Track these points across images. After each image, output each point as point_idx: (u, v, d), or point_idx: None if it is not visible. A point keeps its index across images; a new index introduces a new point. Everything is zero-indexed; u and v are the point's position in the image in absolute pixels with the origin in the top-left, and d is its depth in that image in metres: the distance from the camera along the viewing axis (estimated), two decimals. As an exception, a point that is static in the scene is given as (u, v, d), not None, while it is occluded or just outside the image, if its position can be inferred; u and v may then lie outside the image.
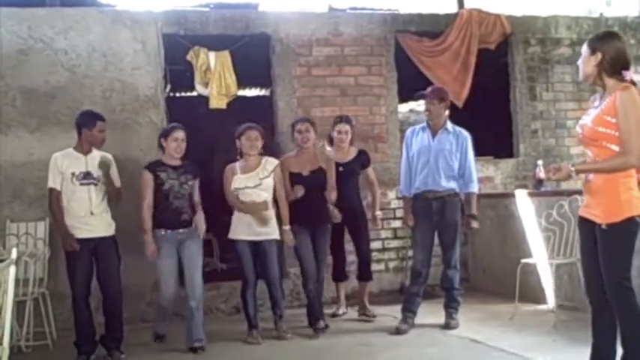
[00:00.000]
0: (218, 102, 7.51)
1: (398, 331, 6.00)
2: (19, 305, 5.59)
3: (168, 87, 8.09)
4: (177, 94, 10.04)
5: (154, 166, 5.88)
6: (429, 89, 6.38)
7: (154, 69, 7.40)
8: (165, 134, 5.94)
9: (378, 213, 7.00)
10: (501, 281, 7.29)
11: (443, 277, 6.35)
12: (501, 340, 5.59)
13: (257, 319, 6.15)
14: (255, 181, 6.05)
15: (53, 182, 5.73)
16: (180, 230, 5.82)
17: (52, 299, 6.44)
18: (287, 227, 6.12)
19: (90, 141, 5.83)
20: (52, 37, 7.14)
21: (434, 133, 6.20)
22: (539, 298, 6.76)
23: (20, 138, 7.02)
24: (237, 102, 7.81)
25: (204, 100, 7.58)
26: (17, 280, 4.04)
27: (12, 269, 3.57)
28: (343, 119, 6.83)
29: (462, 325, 6.13)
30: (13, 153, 6.99)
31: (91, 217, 5.68)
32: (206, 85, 7.54)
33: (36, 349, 6.07)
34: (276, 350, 5.83)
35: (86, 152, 5.81)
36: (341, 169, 6.56)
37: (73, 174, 5.70)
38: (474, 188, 6.25)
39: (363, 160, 6.85)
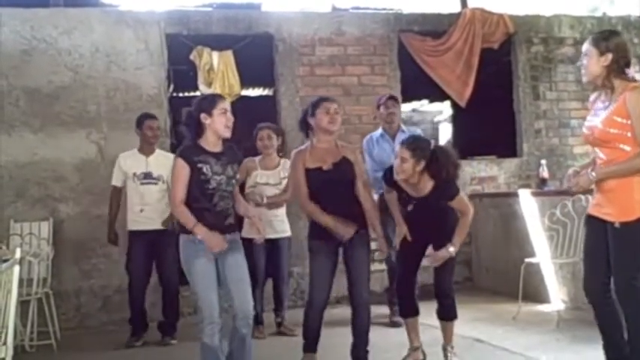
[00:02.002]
0: (221, 102, 7.52)
1: None
2: (22, 305, 5.62)
3: (172, 87, 8.10)
4: (181, 94, 10.04)
5: (192, 154, 4.27)
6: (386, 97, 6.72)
7: (157, 69, 7.41)
8: (207, 107, 4.30)
9: (451, 250, 4.77)
10: (505, 281, 7.29)
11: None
12: (504, 340, 5.59)
13: (262, 315, 6.29)
14: (276, 179, 6.22)
15: (115, 180, 6.30)
16: (226, 236, 4.31)
17: (55, 299, 6.47)
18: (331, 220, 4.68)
19: (143, 139, 6.31)
20: (55, 37, 7.15)
21: (393, 136, 6.55)
22: (543, 298, 6.75)
23: (24, 138, 7.03)
24: (240, 102, 7.80)
25: (207, 99, 7.58)
26: (21, 280, 4.05)
27: (16, 269, 3.59)
28: (406, 142, 4.82)
29: (466, 325, 6.11)
30: (16, 153, 7.00)
31: (148, 213, 6.13)
32: (209, 84, 7.55)
33: (40, 348, 6.08)
34: (279, 346, 5.87)
35: (148, 153, 6.29)
36: (414, 202, 4.85)
37: (134, 174, 6.20)
38: None
39: (443, 193, 4.77)
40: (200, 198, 4.24)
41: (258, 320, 6.28)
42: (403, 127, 6.76)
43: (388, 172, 4.93)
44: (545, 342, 5.49)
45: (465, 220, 4.80)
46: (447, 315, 5.00)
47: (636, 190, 3.83)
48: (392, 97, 6.81)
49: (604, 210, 3.94)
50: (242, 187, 6.24)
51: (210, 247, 4.17)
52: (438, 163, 4.68)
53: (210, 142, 4.30)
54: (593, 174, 3.89)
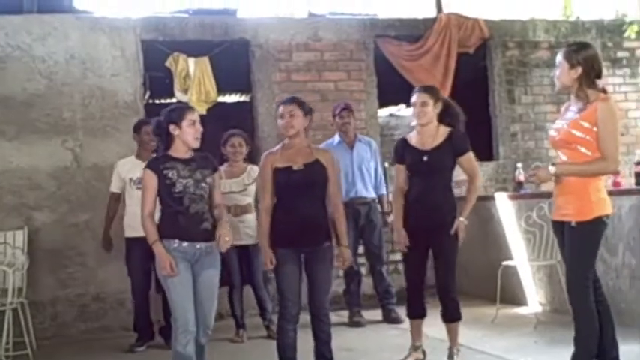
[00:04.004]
0: (198, 108, 7.45)
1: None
2: (-2, 315, 5.56)
3: (148, 93, 8.06)
4: (157, 101, 9.99)
5: (158, 163, 4.41)
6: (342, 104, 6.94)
7: (133, 75, 7.37)
8: (175, 119, 4.39)
9: (462, 220, 4.99)
10: (482, 284, 7.31)
11: (379, 277, 6.87)
12: (483, 343, 5.62)
13: (243, 319, 6.38)
14: (239, 187, 6.24)
15: (113, 186, 6.40)
16: (197, 245, 4.37)
17: (31, 308, 6.41)
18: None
19: (141, 145, 6.35)
20: (29, 43, 7.09)
21: (351, 145, 6.79)
22: (520, 300, 6.80)
23: (-2, 146, 6.97)
24: (216, 108, 7.79)
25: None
26: (-5, 290, 4.01)
27: (-10, 279, 3.55)
28: (421, 88, 5.10)
29: (445, 328, 6.13)
30: (-10, 161, 6.93)
31: None
32: (185, 91, 7.52)
33: (16, 359, 6.01)
34: (259, 350, 5.89)
35: (145, 158, 6.07)
36: (425, 158, 4.94)
37: (131, 179, 6.24)
38: (385, 190, 6.97)
39: (456, 144, 5.03)
40: (170, 202, 4.37)
41: (238, 324, 6.37)
42: (360, 136, 6.97)
43: (400, 144, 5.11)
44: (524, 344, 5.52)
45: (474, 185, 5.04)
46: (451, 316, 5.05)
47: (592, 192, 4.03)
48: (346, 108, 6.88)
49: (562, 212, 4.14)
50: None
51: (160, 266, 4.31)
52: (452, 109, 5.04)
53: (180, 150, 4.43)
54: (552, 168, 4.09)
